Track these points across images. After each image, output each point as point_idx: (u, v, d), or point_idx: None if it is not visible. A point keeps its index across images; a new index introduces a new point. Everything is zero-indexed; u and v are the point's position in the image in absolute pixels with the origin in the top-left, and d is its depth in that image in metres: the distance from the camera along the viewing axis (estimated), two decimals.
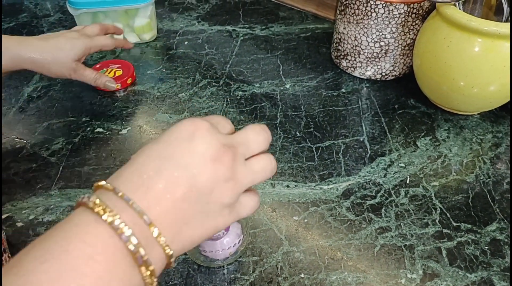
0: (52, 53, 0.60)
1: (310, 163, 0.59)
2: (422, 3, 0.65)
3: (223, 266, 0.47)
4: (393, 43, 0.69)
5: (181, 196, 0.28)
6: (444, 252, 0.49)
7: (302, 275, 0.47)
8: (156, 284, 0.28)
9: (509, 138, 0.63)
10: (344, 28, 0.72)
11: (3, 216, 0.52)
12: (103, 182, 0.29)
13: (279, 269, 0.47)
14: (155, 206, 0.28)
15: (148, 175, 0.28)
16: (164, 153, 0.29)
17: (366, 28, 0.68)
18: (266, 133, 0.34)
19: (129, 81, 0.73)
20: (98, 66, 0.75)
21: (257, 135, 0.33)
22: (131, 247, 0.26)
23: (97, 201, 0.27)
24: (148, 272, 0.27)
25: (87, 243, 0.26)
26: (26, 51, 0.59)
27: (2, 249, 0.43)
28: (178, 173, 0.29)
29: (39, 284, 0.24)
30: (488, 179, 0.57)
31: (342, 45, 0.74)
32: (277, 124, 0.65)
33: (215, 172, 0.29)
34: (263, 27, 0.88)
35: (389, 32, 0.68)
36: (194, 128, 0.30)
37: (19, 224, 0.52)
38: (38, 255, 0.25)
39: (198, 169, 0.29)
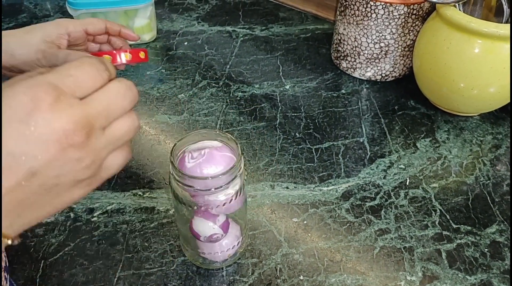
0: (17, 34, 0.48)
1: (309, 164, 0.59)
2: (422, 4, 0.65)
3: (222, 268, 0.47)
4: (393, 44, 0.69)
5: (15, 185, 0.24)
6: (443, 254, 0.49)
7: (301, 277, 0.46)
8: None
9: (509, 140, 0.63)
10: (344, 29, 0.72)
11: None
12: None
13: (278, 271, 0.47)
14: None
15: None
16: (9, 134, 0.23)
17: (366, 29, 0.68)
18: (132, 93, 0.28)
19: (141, 55, 0.49)
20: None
21: (122, 99, 0.28)
22: None
23: None
24: None
25: None
26: None
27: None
28: (11, 161, 0.23)
29: None
30: (488, 181, 0.57)
31: (342, 46, 0.74)
32: (277, 125, 0.65)
33: (62, 157, 0.24)
34: (263, 27, 0.88)
35: (389, 33, 0.68)
36: (32, 105, 0.24)
37: None
38: None
39: (38, 156, 0.24)
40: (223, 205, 0.41)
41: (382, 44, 0.69)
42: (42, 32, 0.48)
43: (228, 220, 0.45)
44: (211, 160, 0.40)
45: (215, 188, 0.39)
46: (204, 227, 0.43)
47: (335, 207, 0.54)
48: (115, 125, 0.28)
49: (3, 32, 0.49)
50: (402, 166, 0.59)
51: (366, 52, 0.71)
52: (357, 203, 0.54)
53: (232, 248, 0.46)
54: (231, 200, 0.41)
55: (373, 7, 0.66)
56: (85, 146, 0.25)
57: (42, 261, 0.48)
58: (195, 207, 0.42)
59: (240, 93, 0.72)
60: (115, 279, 0.46)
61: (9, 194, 0.24)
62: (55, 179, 0.25)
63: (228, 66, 0.78)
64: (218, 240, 0.45)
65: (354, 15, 0.69)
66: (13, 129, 0.23)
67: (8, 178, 0.23)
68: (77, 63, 0.27)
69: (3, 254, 0.43)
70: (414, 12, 0.66)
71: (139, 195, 0.55)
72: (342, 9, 0.71)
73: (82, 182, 0.27)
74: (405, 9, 0.65)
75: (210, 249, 0.45)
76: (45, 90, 0.24)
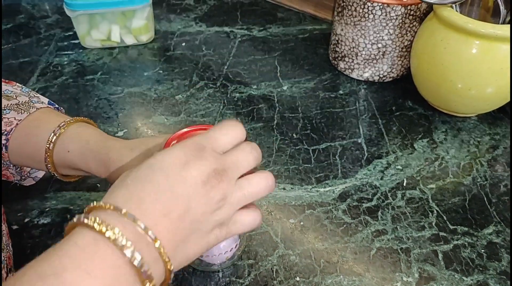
0: (118, 147, 0.44)
1: (306, 165, 0.59)
2: (419, 5, 0.65)
3: (218, 270, 0.47)
4: (391, 45, 0.69)
5: (178, 218, 0.30)
6: (440, 255, 0.49)
7: (298, 279, 0.46)
8: None
9: (506, 140, 0.63)
10: (342, 30, 0.72)
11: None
12: (101, 203, 0.29)
13: (274, 272, 0.47)
14: (156, 225, 0.29)
15: (146, 197, 0.30)
16: (160, 180, 0.31)
17: (364, 29, 0.68)
18: (256, 152, 0.35)
19: None
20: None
21: (247, 155, 0.34)
22: (136, 263, 0.27)
23: (97, 219, 0.28)
24: (152, 281, 0.28)
25: (85, 262, 0.26)
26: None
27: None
28: (174, 198, 0.30)
29: None
30: (485, 182, 0.57)
31: (340, 47, 0.74)
32: (274, 126, 0.65)
33: (206, 196, 0.31)
34: (261, 28, 0.88)
35: (387, 34, 0.68)
36: (185, 159, 0.32)
37: (14, 227, 0.52)
38: (31, 279, 0.25)
39: (192, 194, 0.31)
40: None
41: (379, 45, 0.69)
42: (144, 154, 0.43)
43: None
44: None
45: None
46: None
47: (332, 208, 0.54)
48: (245, 178, 0.34)
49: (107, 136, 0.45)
50: (399, 167, 0.59)
51: (364, 52, 0.71)
52: (354, 204, 0.54)
53: (230, 250, 0.46)
54: None
55: (370, 8, 0.66)
56: (222, 189, 0.32)
57: None
58: None
59: (237, 94, 0.71)
60: None
61: (172, 226, 0.30)
62: (201, 217, 0.31)
63: (225, 67, 0.77)
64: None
65: (351, 16, 0.69)
66: (175, 174, 0.31)
67: (173, 213, 0.30)
68: (219, 126, 0.35)
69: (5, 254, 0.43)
70: (412, 13, 0.66)
71: None
72: (339, 9, 0.71)
73: (216, 228, 0.33)
74: (402, 10, 0.65)
75: (208, 251, 0.45)
76: (194, 147, 0.32)
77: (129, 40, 0.82)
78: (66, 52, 0.81)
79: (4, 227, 0.44)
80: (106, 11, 0.78)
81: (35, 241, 0.50)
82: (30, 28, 0.88)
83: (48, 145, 0.44)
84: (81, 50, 0.82)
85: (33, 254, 0.49)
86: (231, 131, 0.35)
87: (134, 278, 0.28)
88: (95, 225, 0.28)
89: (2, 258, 0.41)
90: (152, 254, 0.28)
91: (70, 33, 0.86)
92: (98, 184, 0.56)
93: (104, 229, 0.27)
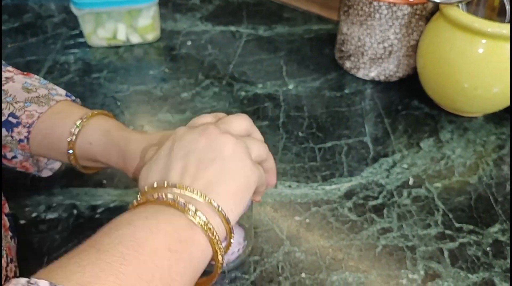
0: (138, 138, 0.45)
1: (312, 163, 0.59)
2: (425, 4, 0.65)
3: (228, 265, 0.47)
4: (397, 44, 0.69)
5: (239, 193, 0.35)
6: (446, 253, 0.49)
7: (303, 275, 0.46)
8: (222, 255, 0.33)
9: None
10: (348, 29, 0.72)
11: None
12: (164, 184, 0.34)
13: (280, 268, 0.47)
14: (195, 182, 0.34)
15: (211, 178, 0.34)
16: (187, 148, 0.35)
17: (370, 29, 0.68)
18: (265, 146, 0.40)
19: None
20: None
21: (260, 142, 0.40)
22: (198, 220, 0.32)
23: (169, 195, 0.32)
24: (208, 225, 0.32)
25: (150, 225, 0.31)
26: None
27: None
28: (233, 176, 0.35)
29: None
30: (491, 181, 0.57)
31: (346, 46, 0.74)
32: (280, 125, 0.65)
33: (222, 145, 0.36)
34: (267, 28, 0.88)
35: (393, 33, 0.68)
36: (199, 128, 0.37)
37: (21, 222, 0.52)
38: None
39: (240, 168, 0.35)
40: None
41: (385, 44, 0.69)
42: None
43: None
44: None
45: None
46: None
47: (338, 206, 0.54)
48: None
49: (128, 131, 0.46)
50: (405, 166, 0.59)
51: (370, 52, 0.71)
52: (360, 202, 0.54)
53: (232, 254, 0.46)
54: None
55: (376, 7, 0.66)
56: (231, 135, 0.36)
57: (46, 257, 0.48)
58: None
59: (243, 93, 0.72)
60: None
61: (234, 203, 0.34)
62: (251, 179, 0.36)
63: (231, 66, 0.78)
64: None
65: (357, 15, 0.69)
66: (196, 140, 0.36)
67: (235, 191, 0.35)
68: (230, 117, 0.40)
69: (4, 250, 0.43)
70: (418, 12, 0.66)
71: None
72: (345, 9, 0.71)
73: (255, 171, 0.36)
74: (409, 9, 0.65)
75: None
76: (211, 129, 0.37)
77: (135, 39, 0.83)
78: (72, 51, 0.82)
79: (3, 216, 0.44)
80: (112, 10, 0.78)
81: (43, 236, 0.50)
82: (37, 27, 0.89)
83: (71, 138, 0.45)
84: (87, 49, 0.82)
85: (40, 248, 0.49)
86: (241, 121, 0.39)
87: (200, 238, 0.31)
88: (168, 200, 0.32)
89: (3, 246, 0.41)
90: (212, 213, 0.32)
91: (76, 32, 0.86)
92: (104, 181, 0.57)
93: (165, 199, 0.32)
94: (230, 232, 0.34)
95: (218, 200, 0.33)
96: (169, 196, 0.32)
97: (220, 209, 0.33)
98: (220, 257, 0.33)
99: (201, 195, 0.32)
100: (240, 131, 0.38)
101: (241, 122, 0.39)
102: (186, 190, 0.32)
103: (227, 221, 0.33)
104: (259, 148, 0.38)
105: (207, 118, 0.40)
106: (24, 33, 0.86)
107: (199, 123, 0.39)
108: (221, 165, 0.34)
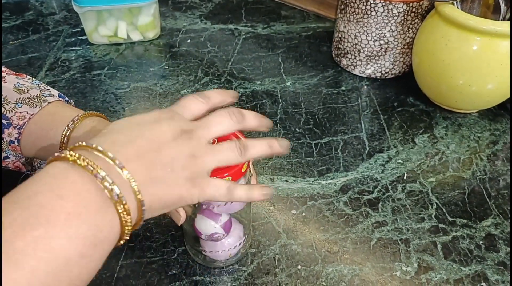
0: None
1: (309, 158, 0.60)
2: (421, 2, 0.66)
3: (223, 266, 0.48)
4: (393, 42, 0.70)
5: (149, 160, 0.33)
6: (439, 246, 0.50)
7: (299, 267, 0.48)
8: (129, 228, 0.31)
9: (506, 136, 0.64)
10: (345, 27, 0.73)
11: None
12: (75, 144, 0.32)
13: (276, 261, 0.48)
14: (126, 161, 0.31)
15: (119, 140, 0.33)
16: (134, 127, 0.34)
17: (366, 26, 0.69)
18: (236, 116, 0.38)
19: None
20: None
21: (221, 118, 0.37)
22: (106, 184, 0.30)
23: (72, 152, 0.31)
24: (123, 209, 0.30)
25: (57, 187, 0.29)
26: None
27: None
28: (147, 143, 0.33)
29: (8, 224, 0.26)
30: (485, 176, 0.58)
31: (343, 44, 0.75)
32: (277, 121, 0.66)
33: (175, 148, 0.34)
34: (265, 26, 0.89)
35: (389, 31, 0.69)
36: (158, 117, 0.35)
37: None
38: (7, 206, 0.28)
39: (162, 142, 0.34)
40: (224, 204, 0.41)
41: (381, 42, 0.70)
42: None
43: (231, 220, 0.45)
44: None
45: None
46: (206, 225, 0.43)
47: (333, 200, 0.55)
48: (219, 141, 0.38)
49: None
50: (400, 161, 0.60)
51: (366, 49, 0.72)
52: (355, 196, 0.55)
53: (234, 248, 0.46)
54: None
55: (372, 5, 0.67)
56: (190, 145, 0.35)
57: None
58: (196, 205, 0.42)
59: (241, 89, 0.73)
60: (118, 267, 0.47)
61: (142, 165, 0.32)
62: (170, 166, 0.33)
63: (230, 63, 0.79)
64: (219, 239, 0.45)
65: (354, 13, 0.70)
66: (148, 125, 0.34)
67: (144, 155, 0.33)
68: (193, 95, 0.38)
69: None
70: (413, 10, 0.67)
71: None
72: (342, 7, 0.72)
73: (188, 182, 0.34)
74: (404, 7, 0.66)
75: (212, 247, 0.46)
76: (167, 111, 0.37)
77: (136, 37, 0.84)
78: (73, 48, 0.83)
79: None
80: (113, 7, 0.79)
81: None
82: (39, 25, 0.90)
83: (63, 140, 0.44)
84: (88, 46, 0.83)
85: None
86: (203, 100, 0.38)
87: (106, 202, 0.30)
88: (69, 156, 0.30)
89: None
90: (121, 181, 0.30)
91: (78, 29, 0.87)
92: None
93: (76, 159, 0.30)
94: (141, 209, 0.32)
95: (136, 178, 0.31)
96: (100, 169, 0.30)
97: (137, 190, 0.31)
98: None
99: (118, 165, 0.31)
100: (198, 114, 0.38)
101: (202, 104, 0.38)
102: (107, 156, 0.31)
103: (141, 203, 0.32)
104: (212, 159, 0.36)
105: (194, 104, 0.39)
106: (26, 30, 0.87)
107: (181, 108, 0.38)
108: (165, 164, 0.33)
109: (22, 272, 0.26)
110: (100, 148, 0.31)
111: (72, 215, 0.28)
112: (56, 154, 0.31)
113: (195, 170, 0.35)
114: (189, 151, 0.34)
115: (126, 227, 0.31)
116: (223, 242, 0.46)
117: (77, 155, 0.30)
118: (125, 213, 0.30)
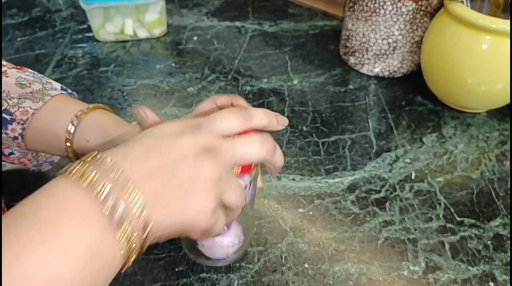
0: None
1: (316, 157, 0.60)
2: (430, 1, 0.66)
3: (225, 259, 0.47)
4: (401, 40, 0.69)
5: (161, 180, 0.30)
6: (447, 246, 0.49)
7: (306, 265, 0.47)
8: (132, 254, 0.29)
9: None
10: (353, 25, 0.72)
11: None
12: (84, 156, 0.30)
13: (283, 259, 0.48)
14: (137, 178, 0.29)
15: (135, 154, 0.31)
16: (151, 142, 0.32)
17: (374, 25, 0.69)
18: (267, 145, 0.35)
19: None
20: None
21: (250, 145, 0.34)
22: (108, 206, 0.27)
23: (78, 168, 0.29)
24: (125, 233, 0.28)
25: (58, 207, 0.27)
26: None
27: None
28: (163, 159, 0.31)
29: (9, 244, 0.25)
30: (493, 176, 0.58)
31: (350, 42, 0.74)
32: None
33: (195, 168, 0.31)
34: (272, 23, 0.89)
35: (397, 29, 0.68)
36: (181, 130, 0.33)
37: None
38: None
39: (180, 159, 0.31)
40: None
41: (390, 40, 0.70)
42: None
43: None
44: None
45: None
46: None
47: (341, 198, 0.55)
48: (238, 143, 0.34)
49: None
50: (408, 160, 0.60)
51: (374, 48, 0.71)
52: (362, 195, 0.55)
53: (232, 246, 0.45)
54: None
55: (381, 3, 0.66)
56: (212, 167, 0.31)
57: None
58: None
59: (248, 87, 0.73)
60: None
61: (155, 180, 0.30)
62: (187, 182, 0.31)
63: (237, 61, 0.79)
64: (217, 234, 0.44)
65: (362, 11, 0.69)
66: (168, 139, 0.32)
67: (155, 170, 0.30)
68: (225, 111, 0.35)
69: None
70: (422, 8, 0.66)
71: None
72: (351, 4, 0.72)
73: (210, 189, 0.31)
74: (413, 5, 0.66)
75: (210, 242, 0.45)
76: (192, 123, 0.33)
77: (142, 34, 0.84)
78: (80, 45, 0.83)
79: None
80: (120, 4, 0.79)
81: None
82: (46, 21, 0.90)
83: (67, 135, 0.44)
84: (95, 43, 0.83)
85: None
86: (235, 118, 0.34)
87: (108, 226, 0.27)
88: (74, 171, 0.29)
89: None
90: (127, 201, 0.28)
91: (85, 26, 0.87)
92: None
93: (79, 177, 0.28)
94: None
95: (152, 215, 0.29)
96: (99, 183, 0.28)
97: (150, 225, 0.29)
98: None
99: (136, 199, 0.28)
100: (229, 132, 0.34)
101: (231, 121, 0.34)
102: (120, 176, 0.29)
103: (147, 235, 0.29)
104: (235, 196, 0.34)
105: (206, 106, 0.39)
106: (33, 27, 0.88)
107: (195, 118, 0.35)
108: (179, 185, 0.31)
109: None
110: (109, 159, 0.29)
111: (72, 239, 0.26)
112: (63, 169, 0.29)
113: (219, 181, 0.32)
114: (210, 174, 0.31)
115: (129, 253, 0.29)
116: (222, 241, 0.44)
117: (81, 171, 0.29)
118: (127, 236, 0.28)
